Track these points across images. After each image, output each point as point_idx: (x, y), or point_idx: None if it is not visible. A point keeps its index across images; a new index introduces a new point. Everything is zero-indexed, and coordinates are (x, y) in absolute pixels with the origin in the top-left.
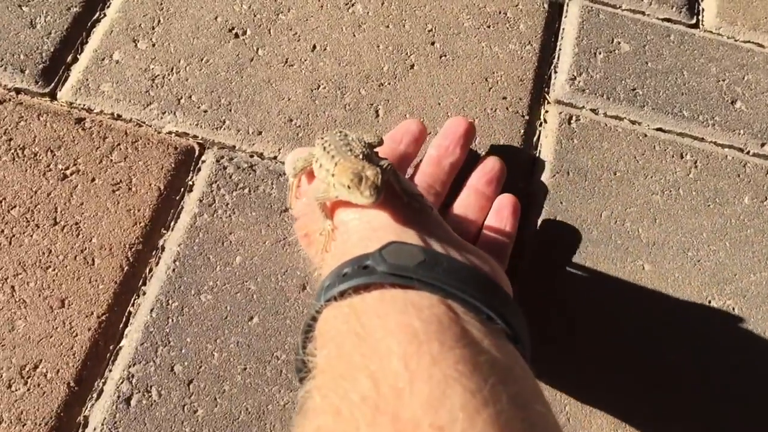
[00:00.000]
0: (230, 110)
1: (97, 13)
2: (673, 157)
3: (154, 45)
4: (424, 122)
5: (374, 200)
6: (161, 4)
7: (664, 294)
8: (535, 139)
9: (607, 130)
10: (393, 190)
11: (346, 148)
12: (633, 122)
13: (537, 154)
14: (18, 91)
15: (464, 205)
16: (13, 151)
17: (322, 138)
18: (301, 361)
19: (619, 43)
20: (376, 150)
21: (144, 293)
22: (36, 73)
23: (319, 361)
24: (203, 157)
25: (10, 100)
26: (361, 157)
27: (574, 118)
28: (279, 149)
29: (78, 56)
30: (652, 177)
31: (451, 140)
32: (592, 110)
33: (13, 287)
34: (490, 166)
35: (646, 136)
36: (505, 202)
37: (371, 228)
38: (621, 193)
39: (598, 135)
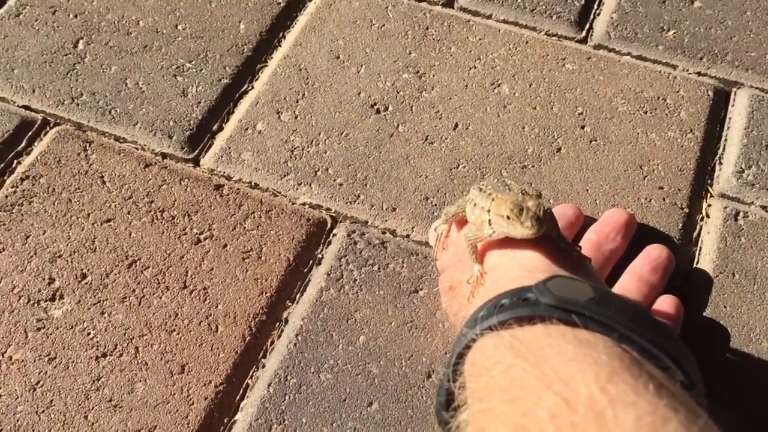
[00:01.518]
0: (366, 185)
1: (246, 85)
2: None
3: (296, 117)
4: (580, 208)
5: (536, 232)
6: (307, 78)
7: None
8: (695, 234)
9: None
10: (550, 235)
11: (504, 188)
12: None
13: (697, 251)
14: (164, 155)
15: (624, 290)
16: (153, 213)
17: (479, 183)
18: (447, 391)
19: None
20: None
21: (263, 366)
22: (183, 140)
23: (475, 388)
24: (334, 231)
25: (156, 164)
26: (520, 193)
27: (741, 214)
28: (412, 227)
29: (224, 125)
30: None
31: (612, 228)
32: (763, 207)
33: (137, 348)
34: (656, 254)
35: None
36: (668, 302)
37: (525, 269)
38: None
39: None
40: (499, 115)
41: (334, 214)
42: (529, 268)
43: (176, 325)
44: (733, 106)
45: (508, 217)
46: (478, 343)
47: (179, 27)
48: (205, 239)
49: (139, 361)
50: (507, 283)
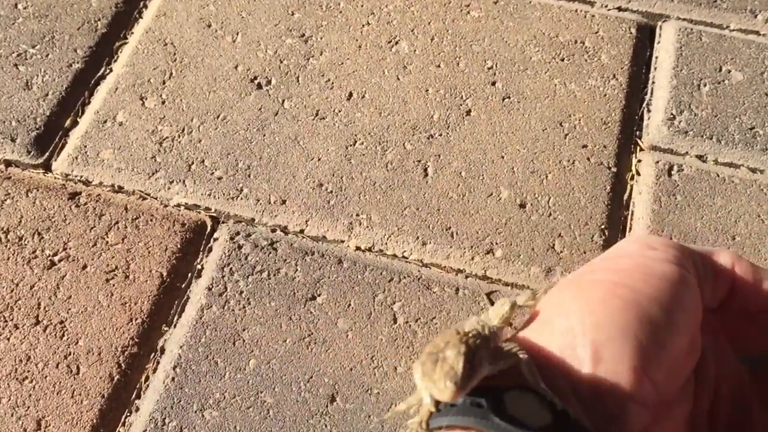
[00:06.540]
0: (249, 175)
1: (103, 69)
2: None
3: (163, 102)
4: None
5: (450, 395)
6: (174, 54)
7: None
8: (625, 196)
9: (719, 182)
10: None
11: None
12: (753, 170)
13: (629, 216)
14: (7, 163)
15: None
16: None
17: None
18: None
19: (729, 71)
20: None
21: (137, 409)
22: (28, 142)
23: None
24: (216, 234)
25: None
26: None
27: (675, 167)
28: (306, 221)
29: (78, 119)
30: None
31: None
32: (699, 157)
33: None
34: None
35: None
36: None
37: None
38: None
39: (708, 188)
40: (398, 78)
41: (214, 214)
42: None
43: (29, 371)
44: (659, 43)
45: (423, 374)
46: None
47: (19, 6)
48: (60, 261)
49: None
50: None
